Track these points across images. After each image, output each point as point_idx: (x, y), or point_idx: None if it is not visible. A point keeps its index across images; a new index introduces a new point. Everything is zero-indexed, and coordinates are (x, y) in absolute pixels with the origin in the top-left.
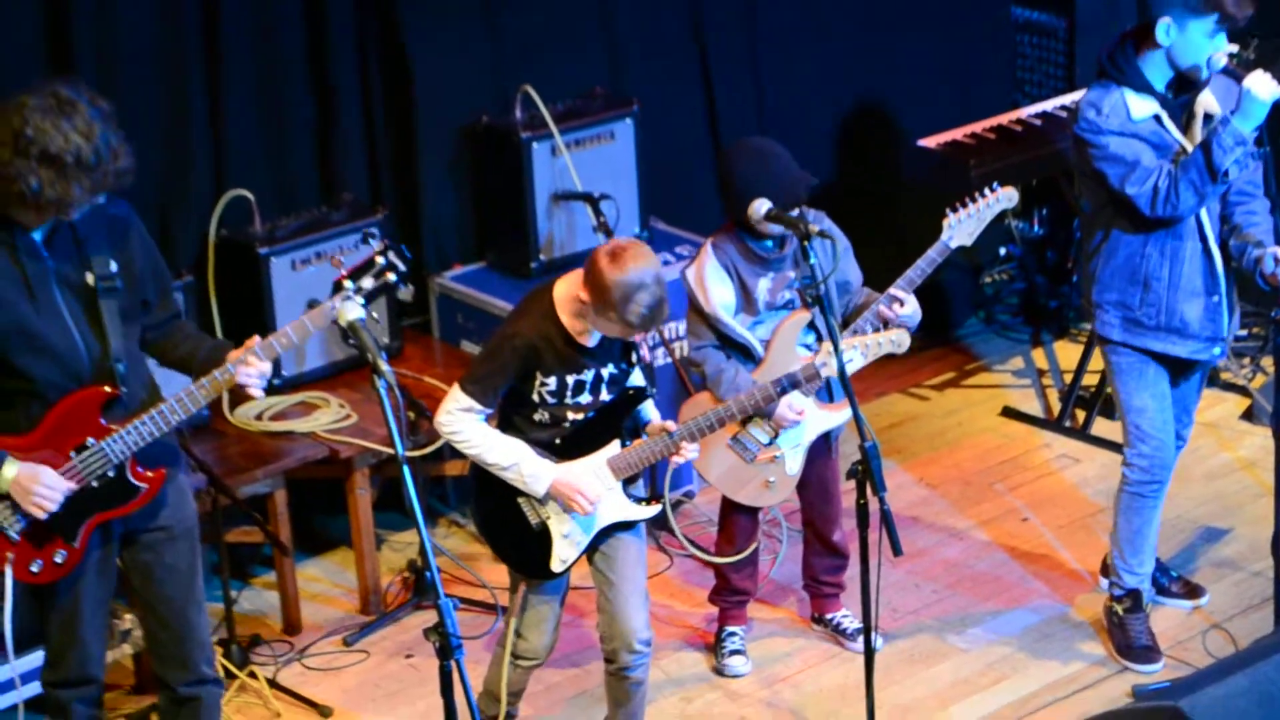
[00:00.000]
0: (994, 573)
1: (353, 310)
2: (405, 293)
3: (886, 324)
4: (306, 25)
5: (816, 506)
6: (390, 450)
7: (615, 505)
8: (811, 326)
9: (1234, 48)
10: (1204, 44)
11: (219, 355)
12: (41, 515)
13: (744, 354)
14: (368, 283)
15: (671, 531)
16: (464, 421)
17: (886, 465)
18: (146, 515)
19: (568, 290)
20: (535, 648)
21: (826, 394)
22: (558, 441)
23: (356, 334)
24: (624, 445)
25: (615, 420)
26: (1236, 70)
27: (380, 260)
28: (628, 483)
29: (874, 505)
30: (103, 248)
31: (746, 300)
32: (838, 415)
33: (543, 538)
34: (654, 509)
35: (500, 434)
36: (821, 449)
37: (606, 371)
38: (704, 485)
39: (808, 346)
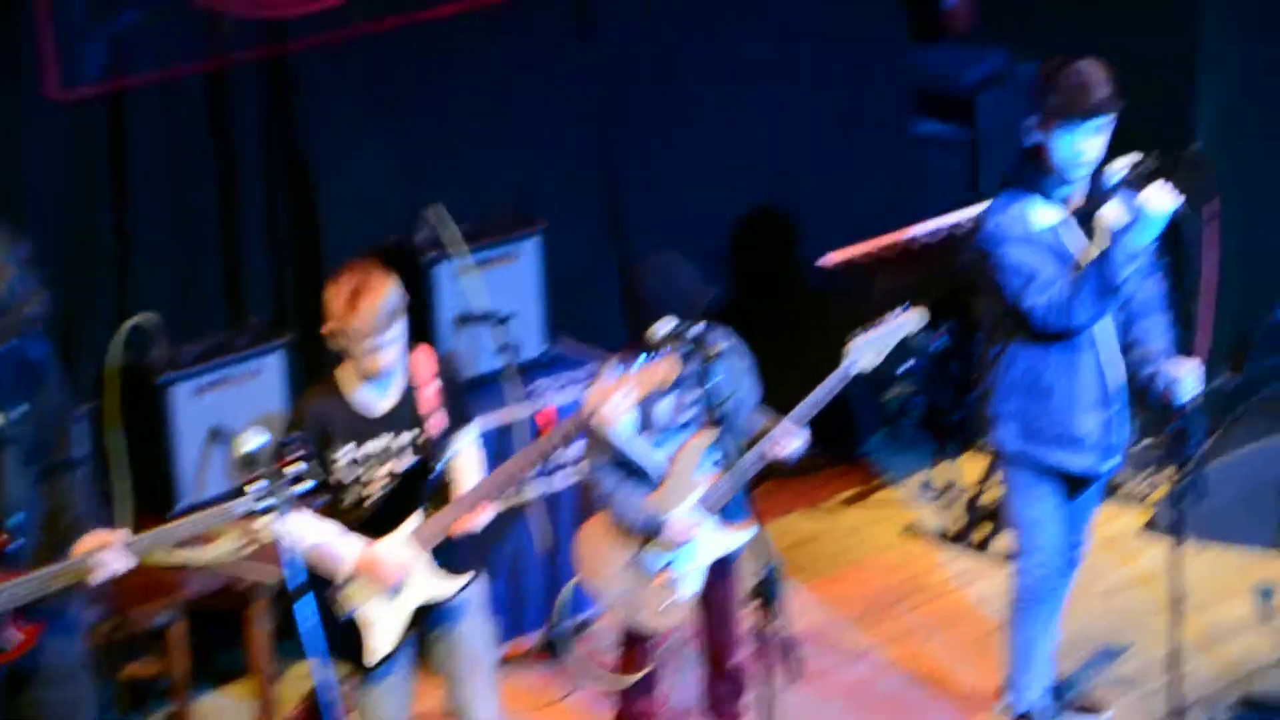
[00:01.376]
0: (897, 694)
1: (250, 441)
2: (315, 503)
3: (773, 459)
4: (214, 146)
5: (715, 630)
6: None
7: (427, 581)
8: (715, 447)
9: (1135, 158)
10: (1069, 142)
11: (75, 536)
12: None
13: (644, 476)
14: (281, 491)
15: (572, 659)
16: None
17: (788, 585)
18: (27, 659)
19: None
20: None
21: (728, 516)
22: (362, 521)
23: (253, 466)
24: (425, 515)
25: (414, 491)
26: (1135, 182)
27: (293, 469)
28: (441, 557)
29: (775, 627)
30: (17, 390)
31: (648, 420)
32: (737, 537)
33: (356, 627)
34: (467, 578)
35: (304, 514)
36: (720, 571)
37: (399, 440)
38: (604, 610)
39: (710, 468)
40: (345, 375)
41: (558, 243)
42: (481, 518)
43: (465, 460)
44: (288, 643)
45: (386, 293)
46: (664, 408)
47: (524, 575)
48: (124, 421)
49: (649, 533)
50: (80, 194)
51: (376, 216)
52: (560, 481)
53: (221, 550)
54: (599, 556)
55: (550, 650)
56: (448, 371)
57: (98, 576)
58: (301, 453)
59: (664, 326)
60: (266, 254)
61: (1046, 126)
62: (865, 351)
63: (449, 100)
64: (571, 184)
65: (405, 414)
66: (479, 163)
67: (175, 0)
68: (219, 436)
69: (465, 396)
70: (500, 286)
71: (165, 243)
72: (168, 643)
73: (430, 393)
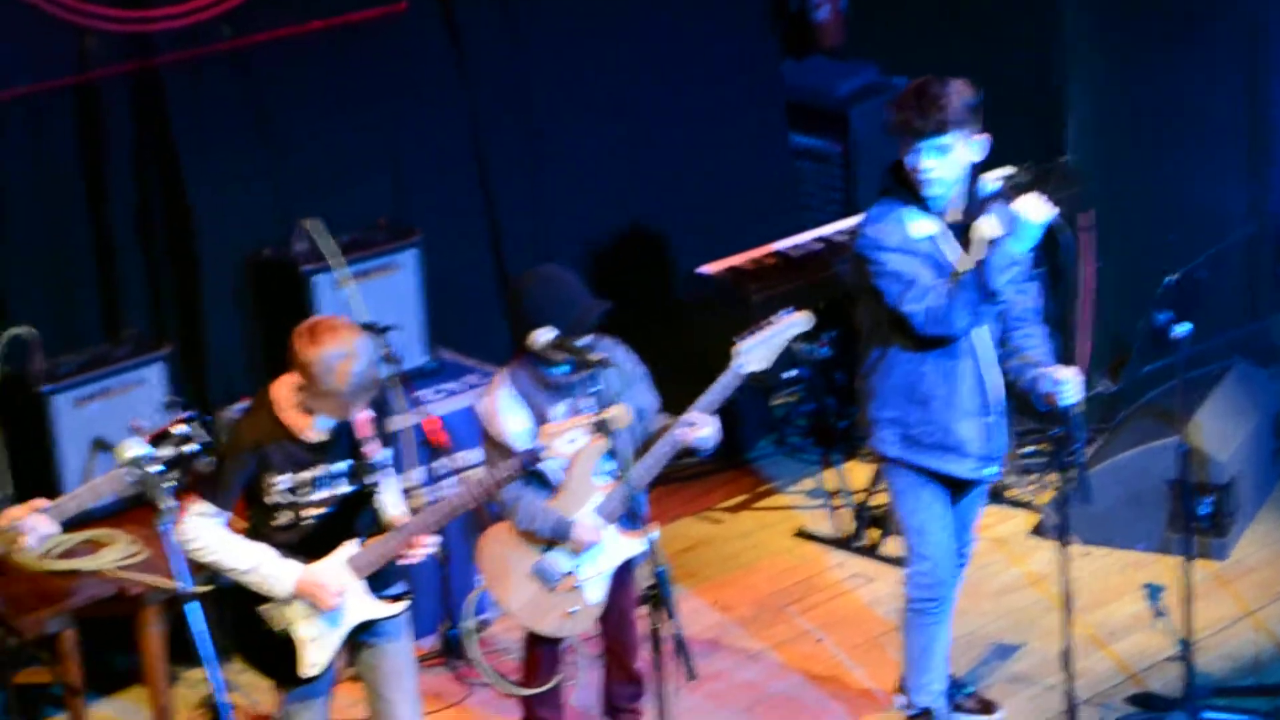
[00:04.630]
0: (790, 694)
1: (134, 448)
2: (205, 465)
3: (684, 449)
4: (85, 160)
5: (616, 634)
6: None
7: (362, 604)
8: (610, 453)
9: (1009, 170)
10: (913, 160)
11: None
12: None
13: (542, 482)
14: (167, 451)
15: (473, 662)
16: (201, 527)
17: (681, 590)
18: None
19: (285, 387)
20: None
21: (629, 521)
22: (299, 542)
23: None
24: (362, 543)
25: (351, 518)
26: (1010, 193)
27: (181, 429)
28: (375, 581)
29: (669, 630)
30: None
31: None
32: (638, 541)
33: (289, 643)
34: (402, 605)
35: (240, 538)
36: (623, 576)
37: (338, 467)
38: (501, 613)
39: (609, 474)
40: (281, 398)
41: (436, 254)
42: (421, 550)
43: (389, 485)
44: (183, 647)
45: (369, 357)
46: (558, 415)
47: (416, 581)
48: (6, 433)
49: (558, 537)
50: None
51: (252, 228)
52: (449, 488)
53: (111, 557)
54: (502, 564)
55: (448, 653)
56: (378, 398)
57: (27, 541)
58: (188, 415)
59: (544, 334)
60: (141, 267)
61: (899, 144)
62: (754, 352)
63: (323, 113)
64: (449, 195)
65: (343, 443)
66: (356, 174)
67: (41, 15)
68: (101, 446)
69: (390, 420)
70: (380, 297)
71: (40, 256)
72: (59, 650)
73: (364, 420)
